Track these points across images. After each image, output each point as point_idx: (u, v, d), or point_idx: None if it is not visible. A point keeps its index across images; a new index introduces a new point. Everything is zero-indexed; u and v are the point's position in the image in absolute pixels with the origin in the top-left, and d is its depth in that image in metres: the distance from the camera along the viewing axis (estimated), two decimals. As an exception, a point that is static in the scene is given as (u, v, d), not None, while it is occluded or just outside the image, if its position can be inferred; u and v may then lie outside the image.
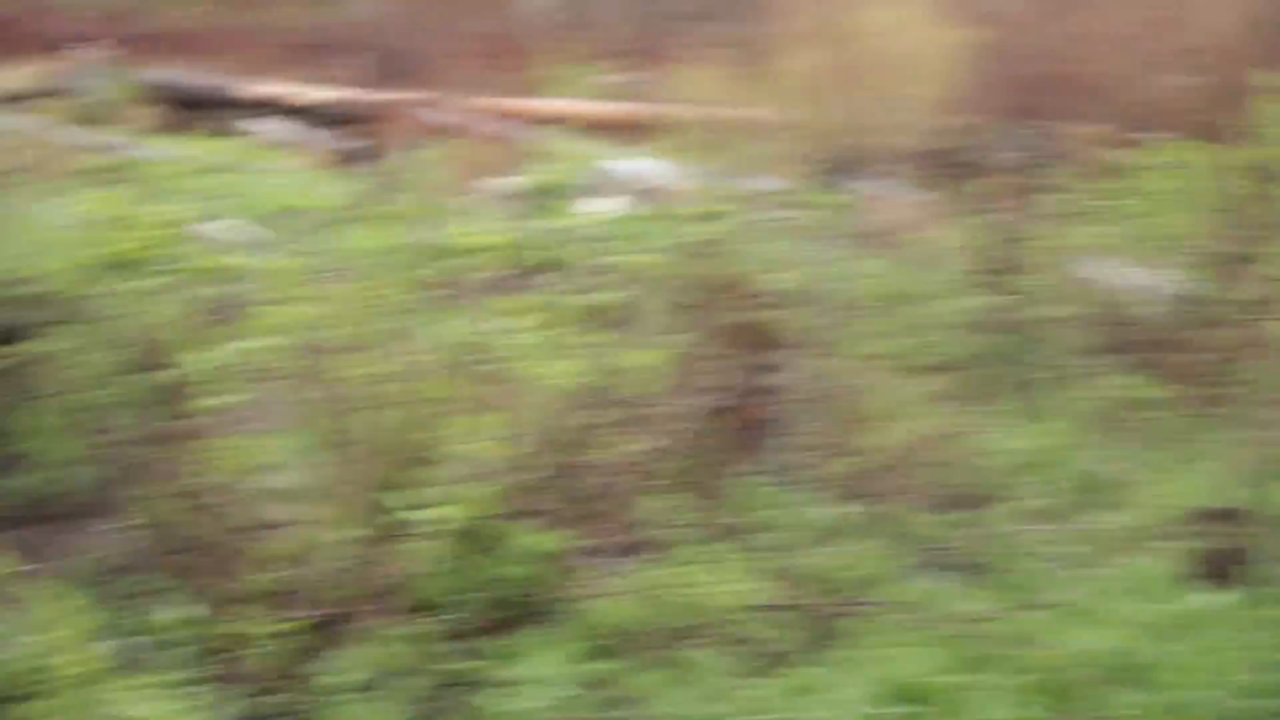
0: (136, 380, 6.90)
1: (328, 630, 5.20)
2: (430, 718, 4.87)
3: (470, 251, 7.75)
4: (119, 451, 6.95)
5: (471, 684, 5.01)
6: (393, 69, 20.07)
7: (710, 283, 6.88)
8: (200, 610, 5.25)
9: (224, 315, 5.70)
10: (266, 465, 5.34)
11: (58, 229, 9.17)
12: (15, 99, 18.13)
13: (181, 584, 5.44)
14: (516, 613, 5.49)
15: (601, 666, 5.13)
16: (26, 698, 4.77)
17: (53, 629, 4.88)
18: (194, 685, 4.75)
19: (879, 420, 7.12)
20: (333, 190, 13.47)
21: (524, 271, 8.83)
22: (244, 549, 5.30)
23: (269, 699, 4.92)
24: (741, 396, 6.65)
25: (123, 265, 8.46)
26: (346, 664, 4.97)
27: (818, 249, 8.26)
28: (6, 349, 7.22)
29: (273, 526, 5.34)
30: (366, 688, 4.85)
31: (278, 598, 5.19)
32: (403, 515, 5.33)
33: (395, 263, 6.53)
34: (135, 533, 5.94)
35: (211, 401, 5.31)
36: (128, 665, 4.94)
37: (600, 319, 6.23)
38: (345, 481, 5.41)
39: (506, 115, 17.52)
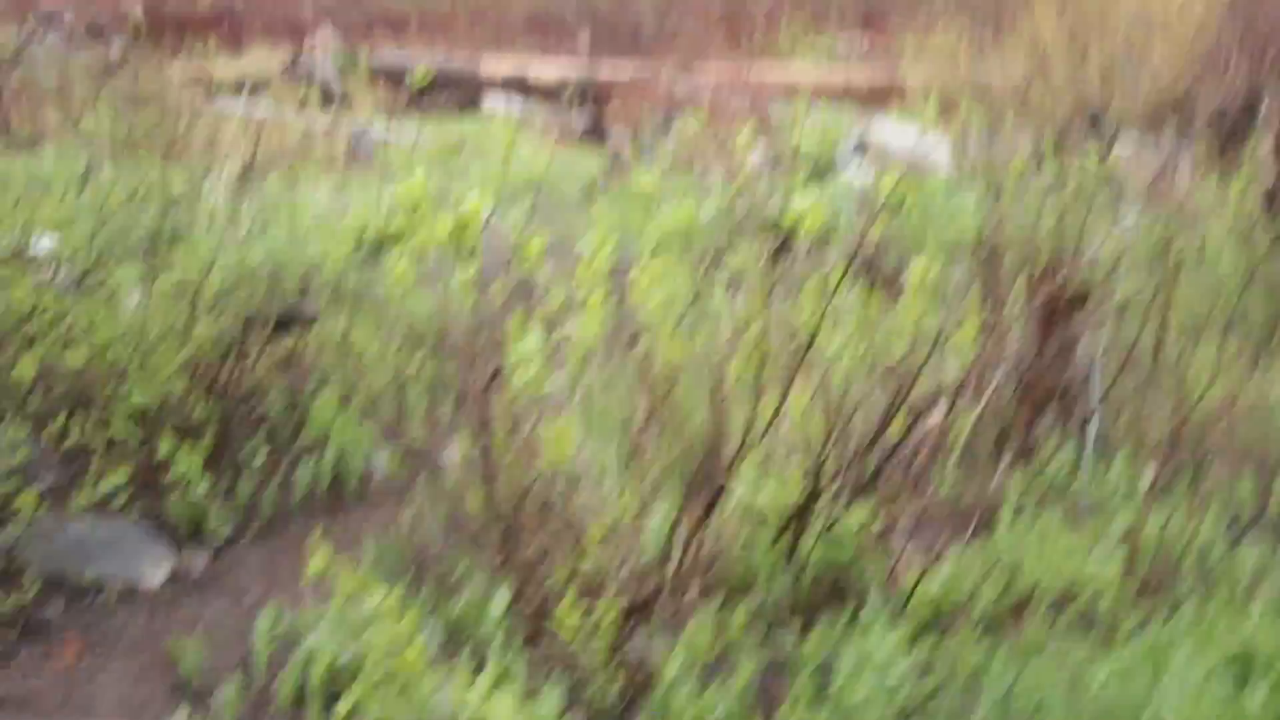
0: (426, 362, 6.87)
1: (644, 613, 5.05)
2: (762, 703, 4.68)
3: (765, 224, 7.60)
4: (413, 435, 6.93)
5: (799, 666, 4.81)
6: (620, 42, 20.02)
7: (1005, 249, 6.65)
8: (512, 595, 5.13)
9: (517, 295, 5.57)
10: (575, 447, 5.20)
11: (323, 214, 9.20)
12: (253, 85, 18.33)
13: (491, 568, 5.34)
14: (835, 591, 5.31)
15: (933, 645, 4.91)
16: (344, 690, 4.69)
17: (366, 619, 4.79)
18: (513, 673, 4.61)
19: (1188, 383, 6.84)
20: (583, 165, 13.40)
21: (815, 244, 8.65)
22: (555, 532, 5.17)
23: (592, 686, 4.77)
24: (1047, 363, 6.40)
25: (394, 247, 8.45)
26: (669, 648, 4.81)
27: (1097, 212, 7.96)
28: (292, 335, 7.22)
29: (584, 509, 5.19)
30: (693, 673, 4.68)
31: (592, 581, 5.05)
32: (716, 495, 5.16)
33: (693, 238, 6.42)
34: (437, 516, 5.86)
35: (517, 384, 5.18)
36: (444, 653, 4.83)
37: (901, 289, 6.01)
38: (656, 462, 5.25)
39: (741, 85, 17.34)
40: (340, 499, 6.90)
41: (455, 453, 6.69)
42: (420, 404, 7.34)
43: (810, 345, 5.35)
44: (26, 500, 5.79)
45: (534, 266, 5.63)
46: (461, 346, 5.31)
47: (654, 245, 5.59)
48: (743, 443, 5.12)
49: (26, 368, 6.37)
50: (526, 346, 5.14)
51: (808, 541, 5.35)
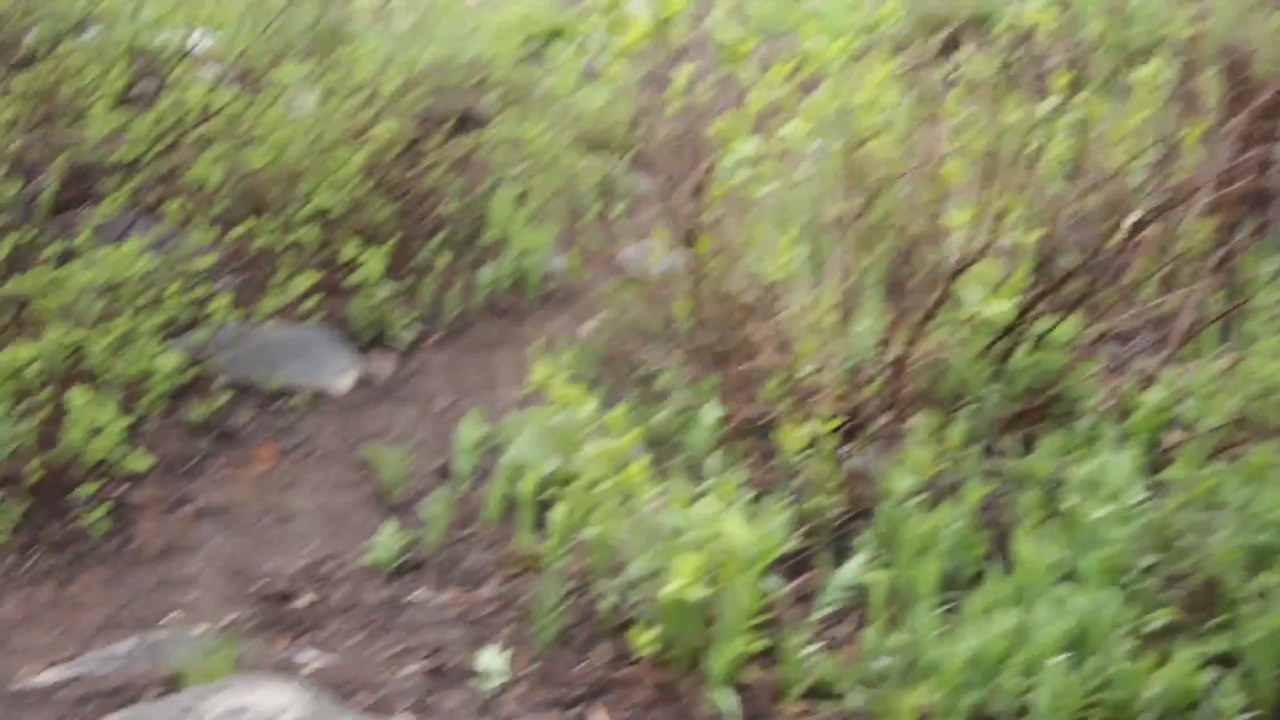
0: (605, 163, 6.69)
1: (859, 425, 4.89)
2: (995, 523, 4.50)
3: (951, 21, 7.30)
4: (592, 238, 6.78)
5: (1026, 484, 4.63)
6: None
7: (1209, 51, 6.33)
8: (720, 408, 4.99)
9: (725, 95, 5.33)
10: (786, 253, 5.00)
11: (483, 10, 8.98)
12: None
13: (697, 377, 5.20)
14: (1047, 405, 5.11)
15: (1159, 463, 4.70)
16: (555, 502, 4.58)
17: (578, 429, 4.67)
18: (731, 489, 4.43)
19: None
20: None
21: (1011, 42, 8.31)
22: (765, 340, 5.01)
23: (813, 500, 4.62)
24: (1250, 173, 6.09)
25: (559, 41, 8.23)
26: (888, 462, 4.65)
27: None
28: (466, 134, 7.07)
29: (794, 316, 5.01)
30: (917, 490, 4.50)
31: (805, 391, 4.89)
32: (937, 303, 4.96)
33: (877, 34, 6.11)
34: (632, 323, 5.74)
35: (729, 187, 4.98)
36: (655, 466, 4.67)
37: (1112, 91, 5.73)
38: (869, 269, 5.07)
39: None
40: (520, 302, 6.79)
41: (637, 256, 6.55)
42: (598, 206, 7.19)
43: (1027, 149, 5.10)
44: (218, 305, 5.70)
45: (740, 65, 5.36)
46: (668, 148, 5.11)
47: (843, 43, 5.29)
48: (967, 250, 4.90)
49: (206, 168, 6.25)
50: (739, 149, 4.92)
51: (1020, 353, 5.15)
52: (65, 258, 5.49)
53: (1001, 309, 4.89)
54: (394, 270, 6.44)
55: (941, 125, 5.12)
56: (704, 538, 4.05)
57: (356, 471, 5.39)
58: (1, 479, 4.93)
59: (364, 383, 6.08)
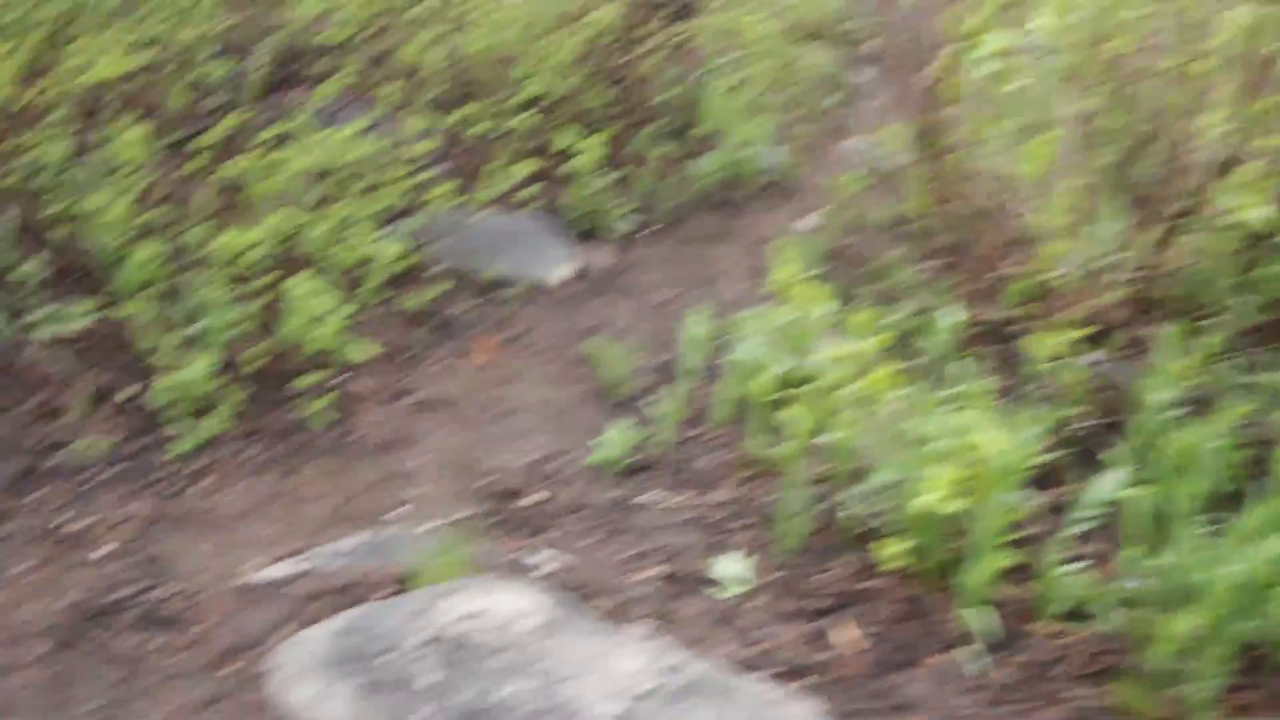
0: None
1: (1107, 333, 4.67)
2: (1254, 440, 4.27)
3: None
4: (809, 130, 6.57)
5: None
6: None
7: None
8: (960, 311, 4.78)
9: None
10: (1029, 157, 4.77)
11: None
12: None
13: (933, 278, 5.01)
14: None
15: None
16: (790, 405, 4.39)
17: (813, 329, 4.49)
18: (980, 397, 4.22)
19: None
20: None
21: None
22: (1004, 245, 4.80)
23: (1062, 410, 4.41)
24: None
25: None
26: (1138, 373, 4.43)
27: None
28: (682, 24, 6.89)
29: (1035, 222, 4.79)
30: (1173, 403, 4.28)
31: (1048, 300, 4.68)
32: (1177, 210, 4.71)
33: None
34: (857, 219, 5.55)
35: (971, 82, 4.76)
36: (903, 371, 4.46)
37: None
38: (1112, 174, 4.83)
39: None
40: (738, 195, 6.61)
41: (858, 150, 6.36)
42: (817, 98, 6.99)
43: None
44: (436, 192, 5.59)
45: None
46: (900, 40, 4.89)
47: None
48: (1222, 153, 4.64)
49: (419, 52, 6.13)
50: (986, 42, 4.68)
51: (1270, 263, 4.88)
52: (278, 141, 5.40)
53: (1263, 214, 4.62)
54: (609, 159, 6.28)
55: (1190, 21, 4.84)
56: (955, 447, 3.86)
57: (576, 366, 5.26)
58: (223, 365, 4.84)
59: (580, 274, 5.95)
